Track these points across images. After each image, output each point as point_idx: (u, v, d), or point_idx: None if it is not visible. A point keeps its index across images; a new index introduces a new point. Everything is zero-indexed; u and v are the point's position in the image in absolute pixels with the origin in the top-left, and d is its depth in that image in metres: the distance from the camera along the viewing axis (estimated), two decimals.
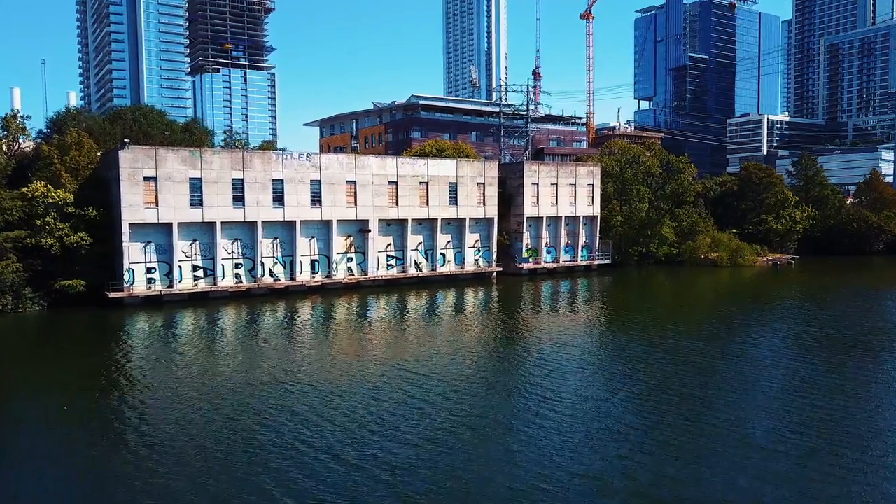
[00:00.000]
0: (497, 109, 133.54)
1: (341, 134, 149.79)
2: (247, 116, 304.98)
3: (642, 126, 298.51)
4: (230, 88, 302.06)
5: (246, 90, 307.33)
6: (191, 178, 67.77)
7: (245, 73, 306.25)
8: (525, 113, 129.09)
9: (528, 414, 32.08)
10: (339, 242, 77.38)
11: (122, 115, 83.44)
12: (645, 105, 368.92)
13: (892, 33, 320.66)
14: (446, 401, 34.06)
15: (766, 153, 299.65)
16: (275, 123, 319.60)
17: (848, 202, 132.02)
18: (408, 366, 41.04)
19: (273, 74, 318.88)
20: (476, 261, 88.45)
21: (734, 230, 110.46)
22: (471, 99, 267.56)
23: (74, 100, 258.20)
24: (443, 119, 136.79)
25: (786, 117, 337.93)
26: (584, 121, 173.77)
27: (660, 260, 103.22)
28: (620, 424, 30.35)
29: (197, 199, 68.24)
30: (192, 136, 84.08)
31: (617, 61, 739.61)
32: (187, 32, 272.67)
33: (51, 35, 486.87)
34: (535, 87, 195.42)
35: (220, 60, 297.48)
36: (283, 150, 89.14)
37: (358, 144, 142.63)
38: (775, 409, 32.68)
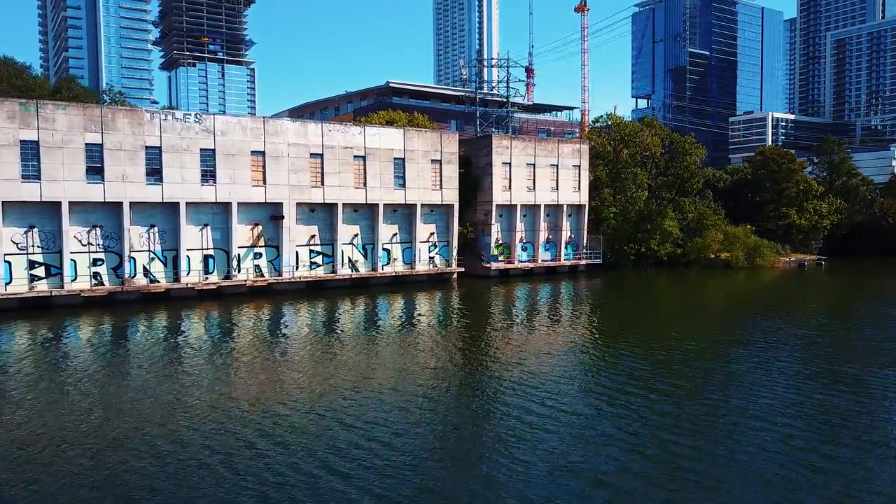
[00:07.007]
0: (481, 96, 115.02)
1: None
2: (224, 113, 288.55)
3: None
4: (206, 83, 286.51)
5: (223, 85, 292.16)
6: (22, 142, 49.74)
7: (223, 68, 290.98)
8: (507, 97, 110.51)
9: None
10: (243, 233, 59.38)
11: None
12: (643, 103, 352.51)
13: None
14: (374, 460, 20.74)
15: None
16: None
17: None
18: (329, 408, 26.09)
19: (253, 69, 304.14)
20: (431, 259, 70.61)
21: (749, 226, 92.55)
22: (451, 87, 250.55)
23: None
24: (419, 105, 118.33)
25: (791, 116, 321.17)
26: (576, 112, 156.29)
27: (661, 260, 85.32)
28: None
29: (32, 169, 50.17)
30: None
31: (614, 58, 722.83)
32: (153, 19, 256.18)
33: (14, 21, 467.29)
34: (528, 84, 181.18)
35: (197, 54, 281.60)
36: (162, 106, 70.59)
37: None
38: None
